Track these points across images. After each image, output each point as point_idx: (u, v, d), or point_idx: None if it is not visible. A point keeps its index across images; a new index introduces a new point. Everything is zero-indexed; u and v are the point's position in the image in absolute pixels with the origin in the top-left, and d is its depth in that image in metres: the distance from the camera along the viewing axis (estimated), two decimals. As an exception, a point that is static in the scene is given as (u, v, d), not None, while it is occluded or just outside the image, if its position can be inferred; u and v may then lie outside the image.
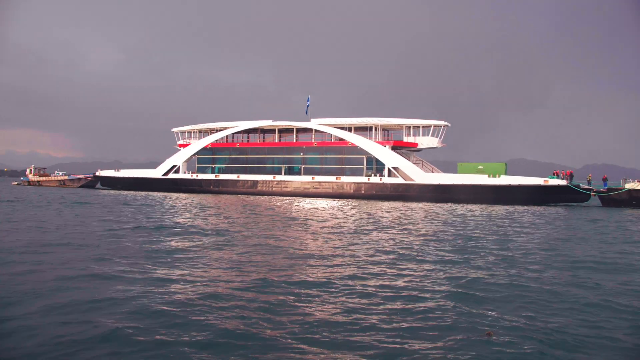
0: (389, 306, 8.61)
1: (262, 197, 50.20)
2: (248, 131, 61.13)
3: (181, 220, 22.98)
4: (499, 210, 35.98)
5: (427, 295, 9.37)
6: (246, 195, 53.67)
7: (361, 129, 55.24)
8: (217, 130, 62.46)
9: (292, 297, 9.10)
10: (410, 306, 8.61)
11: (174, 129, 66.51)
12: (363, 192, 51.29)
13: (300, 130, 58.29)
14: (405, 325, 7.55)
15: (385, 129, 55.43)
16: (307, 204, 40.05)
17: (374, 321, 7.74)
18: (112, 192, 58.90)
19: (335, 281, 10.42)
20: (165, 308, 8.18)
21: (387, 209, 34.92)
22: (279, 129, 59.63)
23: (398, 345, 6.74)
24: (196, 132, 65.18)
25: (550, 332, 7.41)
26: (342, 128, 54.94)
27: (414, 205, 40.75)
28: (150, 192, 57.31)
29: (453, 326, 7.58)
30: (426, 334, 7.21)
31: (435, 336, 7.13)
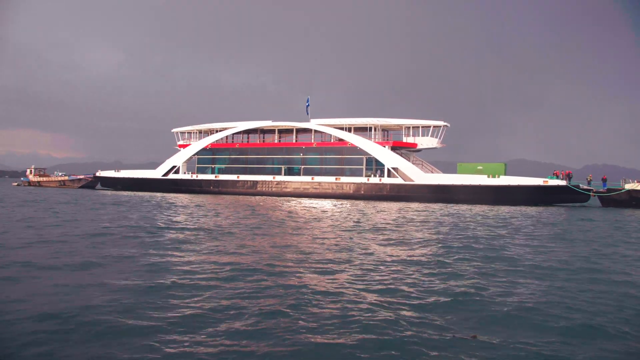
0: (371, 310, 8.57)
1: (262, 198, 50.18)
2: (248, 131, 61.14)
3: (164, 220, 22.97)
4: (497, 210, 35.90)
5: (412, 298, 9.32)
6: (246, 196, 53.66)
7: (361, 130, 55.19)
8: (217, 131, 62.48)
9: (259, 301, 9.06)
10: (393, 311, 8.56)
11: (174, 130, 66.56)
12: (363, 192, 51.24)
13: (300, 131, 58.27)
14: (388, 330, 7.50)
15: (385, 130, 55.40)
16: (299, 204, 40.01)
17: (355, 326, 7.69)
18: (112, 192, 58.96)
19: (322, 285, 10.38)
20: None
21: (385, 209, 34.86)
22: (278, 130, 59.61)
23: (383, 352, 6.71)
24: (196, 132, 65.21)
25: (535, 333, 7.37)
26: (341, 128, 54.90)
27: (413, 205, 40.69)
28: (149, 193, 57.33)
29: (439, 328, 7.54)
30: (413, 337, 7.17)
31: (421, 338, 7.10)
